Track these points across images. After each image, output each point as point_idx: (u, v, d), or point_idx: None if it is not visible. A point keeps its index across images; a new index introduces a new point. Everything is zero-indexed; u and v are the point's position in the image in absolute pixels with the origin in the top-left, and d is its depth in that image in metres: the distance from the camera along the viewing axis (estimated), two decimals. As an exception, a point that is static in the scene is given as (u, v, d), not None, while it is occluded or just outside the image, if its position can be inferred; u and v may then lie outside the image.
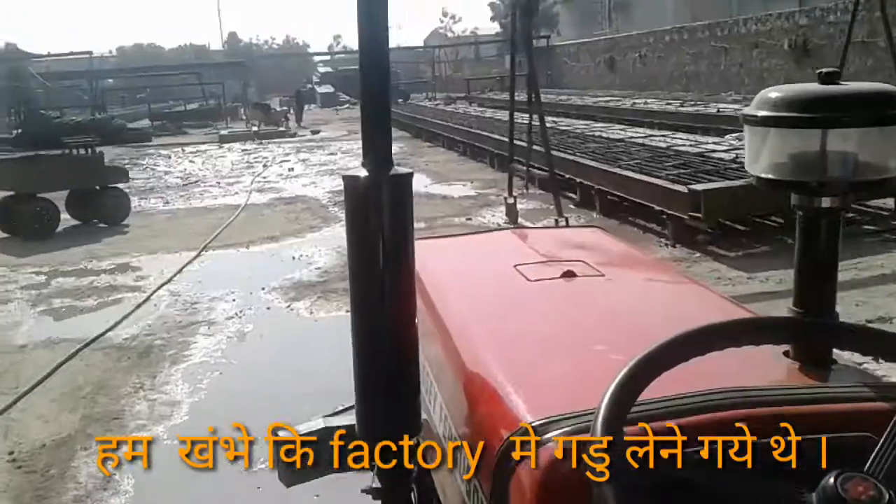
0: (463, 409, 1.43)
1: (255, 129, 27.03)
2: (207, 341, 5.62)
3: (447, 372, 1.60)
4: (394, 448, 1.36)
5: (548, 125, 16.06)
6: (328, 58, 67.36)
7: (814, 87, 1.18)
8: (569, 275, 1.84)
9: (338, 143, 22.35)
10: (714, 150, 9.68)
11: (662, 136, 11.83)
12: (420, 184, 12.68)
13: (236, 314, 6.21)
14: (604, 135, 12.72)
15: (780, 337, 1.17)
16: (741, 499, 0.86)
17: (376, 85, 1.33)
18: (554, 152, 9.56)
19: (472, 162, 15.37)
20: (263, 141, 24.21)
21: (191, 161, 19.65)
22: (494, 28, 53.45)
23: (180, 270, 7.74)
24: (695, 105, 17.44)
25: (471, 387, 1.44)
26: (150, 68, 45.50)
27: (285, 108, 34.18)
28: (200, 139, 26.95)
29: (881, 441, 0.88)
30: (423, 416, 1.45)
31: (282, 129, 27.53)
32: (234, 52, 64.08)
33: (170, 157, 21.17)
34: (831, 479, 0.80)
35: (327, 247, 8.45)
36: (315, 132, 26.54)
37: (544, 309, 1.74)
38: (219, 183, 14.81)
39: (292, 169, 16.29)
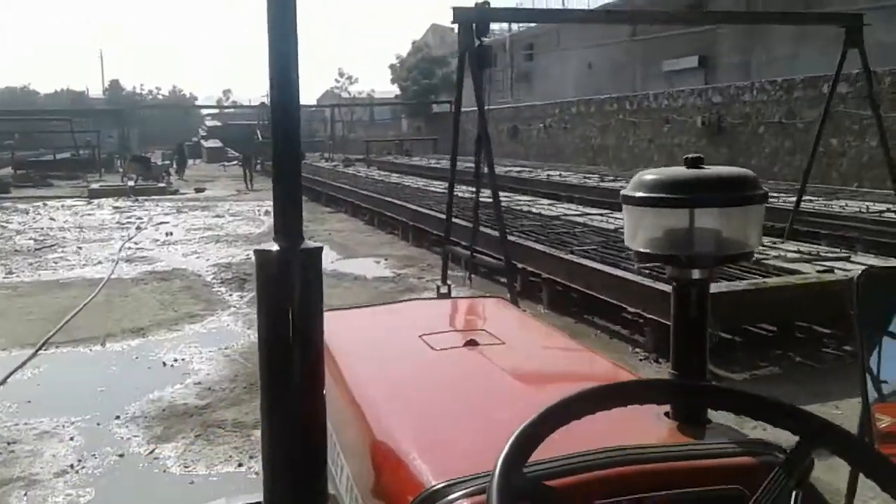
0: (369, 478, 1.46)
1: (131, 183, 24.49)
2: (17, 524, 3.63)
3: (353, 441, 1.63)
4: None
5: (460, 195, 14.65)
6: (216, 111, 64.77)
7: (682, 170, 1.33)
8: (471, 343, 1.94)
9: (225, 203, 20.23)
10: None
11: (601, 214, 10.54)
12: (324, 260, 10.84)
13: (71, 466, 4.22)
14: (534, 210, 11.34)
15: (657, 398, 1.22)
16: None
17: (288, 159, 1.35)
18: (484, 229, 8.07)
19: (380, 233, 13.69)
20: (140, 198, 21.80)
21: (51, 218, 17.11)
22: (392, 90, 52.58)
23: (3, 381, 5.63)
24: (615, 180, 16.46)
25: (376, 455, 1.47)
26: (16, 112, 41.78)
27: (167, 162, 31.63)
28: (67, 193, 24.23)
29: (757, 494, 0.99)
30: (331, 489, 1.52)
31: (162, 184, 25.11)
32: (116, 101, 60.52)
33: (27, 213, 18.51)
34: None
35: (212, 346, 6.51)
36: (199, 190, 24.26)
37: (448, 377, 1.83)
38: (80, 248, 12.51)
39: (171, 233, 14.14)
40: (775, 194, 12.78)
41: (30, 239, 13.72)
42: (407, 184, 17.78)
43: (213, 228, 14.93)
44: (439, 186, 16.60)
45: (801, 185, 8.81)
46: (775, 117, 17.68)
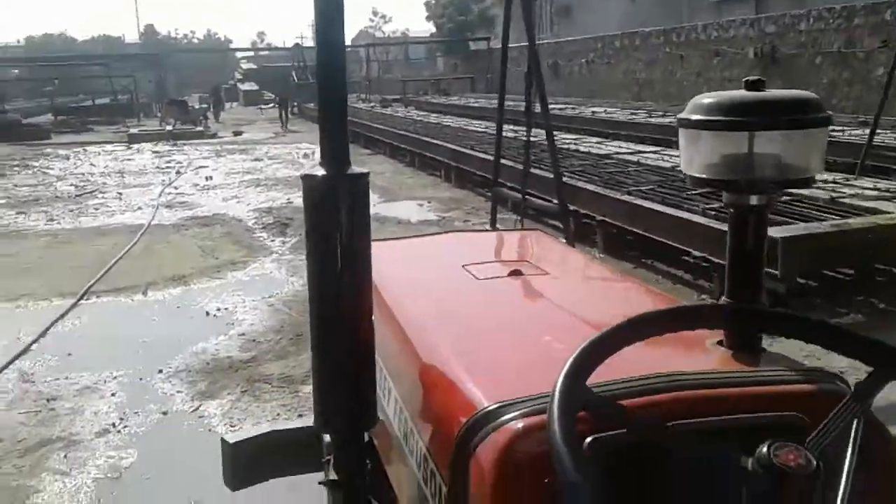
0: (419, 402, 1.45)
1: (169, 128, 24.32)
2: (55, 487, 3.43)
3: (401, 368, 1.62)
4: (350, 440, 1.44)
5: (506, 135, 14.20)
6: (251, 54, 64.28)
7: (742, 93, 1.27)
8: (515, 273, 1.91)
9: (263, 146, 19.96)
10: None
11: (654, 152, 10.03)
12: (367, 202, 10.57)
13: (113, 425, 4.02)
14: (582, 149, 10.86)
15: (712, 322, 1.23)
16: (685, 462, 0.97)
17: (333, 86, 1.35)
18: (534, 171, 7.64)
19: (422, 174, 13.32)
20: (178, 142, 21.61)
21: (91, 164, 17.01)
22: (427, 28, 51.52)
23: (43, 334, 5.45)
24: (664, 116, 15.79)
25: (425, 379, 1.46)
26: (54, 58, 41.74)
27: (204, 105, 31.40)
28: (107, 138, 24.13)
29: (826, 420, 0.95)
30: (379, 414, 1.49)
31: (200, 128, 24.90)
32: (151, 46, 60.25)
33: (68, 159, 18.45)
34: (765, 448, 0.88)
35: (256, 295, 6.28)
36: (237, 133, 24.03)
37: (494, 305, 1.79)
38: (120, 194, 12.35)
39: (210, 178, 13.93)
40: (839, 127, 12.12)
41: (70, 185, 13.61)
42: (447, 123, 17.30)
43: (252, 172, 14.69)
44: (479, 126, 16.13)
45: (876, 116, 8.17)
46: (833, 46, 16.74)
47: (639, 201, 6.86)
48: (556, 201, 6.76)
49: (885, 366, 1.01)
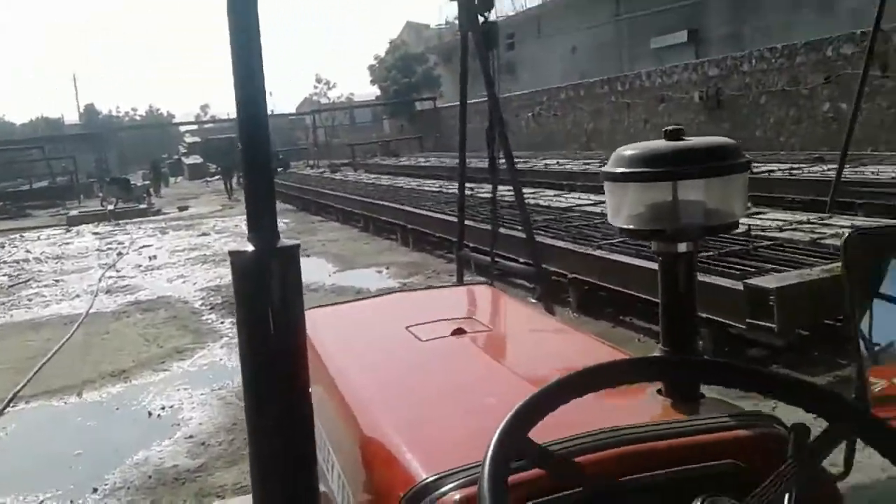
0: (360, 474, 1.43)
1: (110, 207, 23.52)
2: None
3: (343, 438, 1.60)
4: None
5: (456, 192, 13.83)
6: (195, 128, 63.73)
7: (662, 143, 1.31)
8: (459, 332, 1.89)
9: (210, 220, 19.33)
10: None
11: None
12: (322, 273, 10.02)
13: (36, 569, 3.38)
14: (542, 202, 10.51)
15: (647, 374, 1.20)
16: None
17: (258, 157, 1.34)
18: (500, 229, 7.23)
19: (378, 239, 12.83)
20: (121, 221, 20.85)
21: (27, 251, 16.16)
22: (371, 92, 51.68)
23: (-41, 453, 4.78)
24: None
25: (366, 450, 1.44)
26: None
27: (147, 182, 30.66)
28: (45, 222, 23.24)
29: (770, 478, 0.93)
30: (323, 488, 1.51)
31: (143, 206, 24.13)
32: (92, 125, 59.36)
33: (2, 247, 17.54)
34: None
35: (204, 387, 5.67)
36: (183, 209, 23.33)
37: (436, 367, 1.77)
38: (57, 281, 11.61)
39: (154, 257, 13.25)
40: (796, 165, 12.04)
41: (3, 275, 12.80)
42: (399, 185, 16.92)
43: (199, 248, 14.05)
44: (433, 185, 15.78)
45: (842, 152, 7.95)
46: (777, 85, 16.90)
47: (612, 255, 6.45)
48: (523, 261, 6.35)
49: (836, 421, 1.00)
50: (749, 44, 21.86)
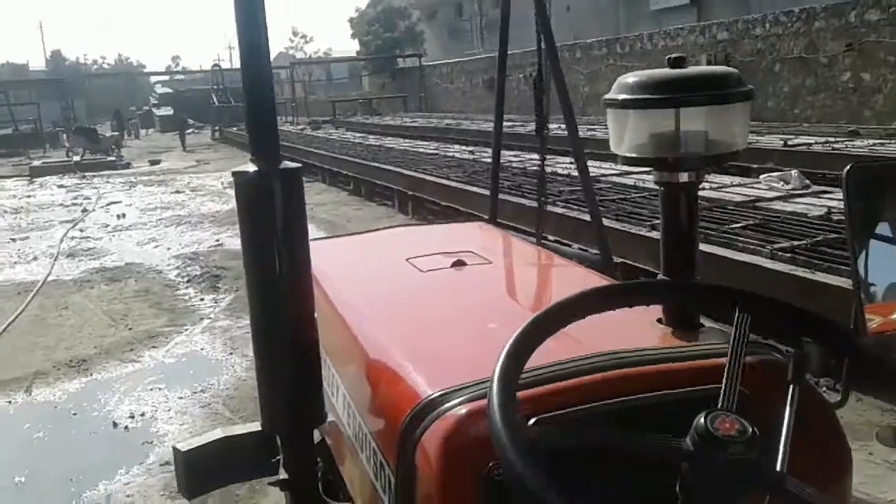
0: (365, 395, 1.44)
1: (76, 158, 22.07)
2: None
3: (347, 363, 1.62)
4: (298, 439, 1.45)
5: (458, 157, 12.67)
6: (166, 79, 61.57)
7: (666, 71, 1.29)
8: (459, 264, 1.90)
9: (184, 176, 18.05)
10: (762, 199, 6.59)
11: (648, 171, 8.59)
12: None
13: None
14: (560, 171, 9.42)
15: (647, 298, 1.22)
16: (623, 460, 0.94)
17: (259, 81, 1.33)
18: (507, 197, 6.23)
19: (371, 205, 11.72)
20: (87, 174, 19.49)
21: (-16, 203, 14.85)
22: (350, 48, 50.00)
23: None
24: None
25: (371, 372, 1.45)
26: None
27: (116, 133, 29.07)
28: (6, 172, 21.79)
29: (724, 379, 0.96)
30: (329, 413, 1.52)
31: (111, 158, 22.71)
32: (59, 72, 56.98)
33: (-43, 199, 16.18)
34: (702, 420, 0.87)
35: (183, 388, 4.61)
36: (154, 162, 21.96)
37: (437, 296, 1.79)
38: (14, 240, 10.41)
39: (123, 216, 12.05)
40: (821, 139, 11.09)
41: (-47, 232, 11.54)
42: (390, 146, 15.77)
43: (173, 207, 12.86)
44: (426, 147, 14.68)
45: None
46: (793, 52, 15.91)
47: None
48: (578, 246, 5.32)
49: (812, 336, 1.06)
50: (756, 8, 20.85)
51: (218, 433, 1.71)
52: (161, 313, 6.31)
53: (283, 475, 1.47)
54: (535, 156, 10.85)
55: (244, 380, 4.64)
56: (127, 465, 3.66)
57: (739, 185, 7.47)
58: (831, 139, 10.80)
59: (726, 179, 7.80)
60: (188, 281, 7.40)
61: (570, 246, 5.28)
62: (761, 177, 7.45)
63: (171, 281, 7.48)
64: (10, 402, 4.60)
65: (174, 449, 1.71)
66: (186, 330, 5.81)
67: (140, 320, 6.13)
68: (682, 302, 1.32)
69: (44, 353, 5.38)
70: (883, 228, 1.17)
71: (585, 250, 4.91)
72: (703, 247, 5.10)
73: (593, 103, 22.47)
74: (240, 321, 5.80)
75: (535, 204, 6.78)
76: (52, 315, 6.41)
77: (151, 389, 4.64)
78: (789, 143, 10.30)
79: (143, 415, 4.26)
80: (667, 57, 1.31)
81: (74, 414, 4.38)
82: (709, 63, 17.74)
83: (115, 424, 4.16)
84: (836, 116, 14.81)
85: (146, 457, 3.75)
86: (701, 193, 5.43)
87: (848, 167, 1.17)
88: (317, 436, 1.51)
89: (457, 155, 12.47)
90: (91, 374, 4.96)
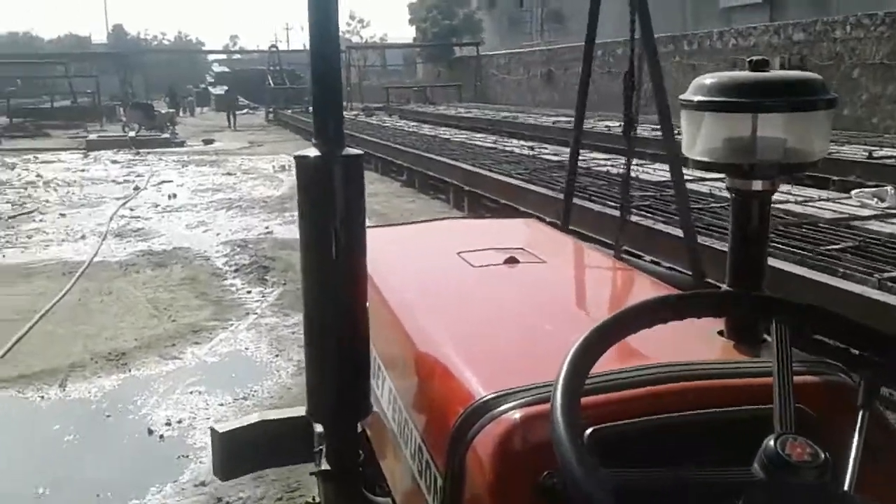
0: (414, 392, 1.41)
1: (132, 134, 22.14)
2: None
3: (396, 357, 1.58)
4: (343, 430, 1.42)
5: (493, 147, 12.16)
6: (224, 58, 62.06)
7: (745, 74, 1.24)
8: (511, 261, 1.85)
9: (236, 157, 17.89)
10: (856, 217, 6.04)
11: (721, 177, 8.05)
12: (365, 235, 8.57)
13: None
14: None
15: (711, 310, 1.15)
16: (687, 453, 0.94)
17: (327, 64, 1.32)
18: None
19: (424, 198, 11.36)
20: (142, 150, 19.51)
21: (38, 175, 14.87)
22: (406, 34, 49.68)
23: None
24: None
25: (421, 369, 1.42)
26: (9, 56, 39.14)
27: (172, 110, 29.18)
28: (63, 144, 21.98)
29: (776, 400, 0.92)
30: (374, 405, 1.48)
31: (166, 135, 22.74)
32: (120, 46, 57.68)
33: (12, 168, 16.28)
34: (771, 443, 0.83)
35: (224, 394, 4.29)
36: (208, 142, 21.94)
37: (490, 293, 1.74)
38: (63, 216, 10.29)
39: (174, 196, 11.88)
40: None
41: (6, 203, 11.49)
42: (444, 136, 15.38)
43: (224, 189, 12.66)
44: (485, 140, 14.25)
45: None
46: (875, 57, 15.09)
47: (772, 262, 4.92)
48: (667, 265, 4.87)
49: (885, 357, 0.99)
50: (835, 10, 19.92)
51: (255, 416, 1.66)
52: (206, 305, 6.02)
53: (324, 465, 1.44)
54: (600, 155, 10.36)
55: (289, 388, 4.31)
56: (160, 483, 3.34)
57: (828, 199, 6.91)
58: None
59: (813, 193, 7.24)
60: (236, 270, 7.11)
61: (640, 257, 4.84)
62: (853, 192, 6.87)
63: (218, 269, 7.20)
64: (42, 396, 4.34)
65: (212, 430, 1.65)
66: (231, 325, 5.50)
67: (184, 311, 5.85)
68: (750, 316, 1.26)
69: (83, 344, 5.12)
70: None
71: (672, 268, 4.46)
72: (799, 270, 4.62)
73: (654, 101, 21.75)
74: (287, 319, 5.48)
75: (607, 210, 6.30)
76: (95, 300, 6.16)
77: (191, 392, 4.33)
78: (874, 154, 9.64)
79: (180, 422, 3.95)
80: (748, 59, 1.26)
81: (108, 416, 4.09)
82: (782, 66, 16.97)
83: (150, 431, 3.85)
84: (916, 128, 14.01)
85: (181, 473, 3.42)
86: (786, 207, 4.89)
87: None
88: (359, 427, 1.48)
89: (516, 150, 12.02)
90: (130, 370, 4.68)
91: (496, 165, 10.08)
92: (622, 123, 3.19)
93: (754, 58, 1.26)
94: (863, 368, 1.00)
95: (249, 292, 6.36)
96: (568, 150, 10.70)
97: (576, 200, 6.40)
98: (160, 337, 5.27)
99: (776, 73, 1.26)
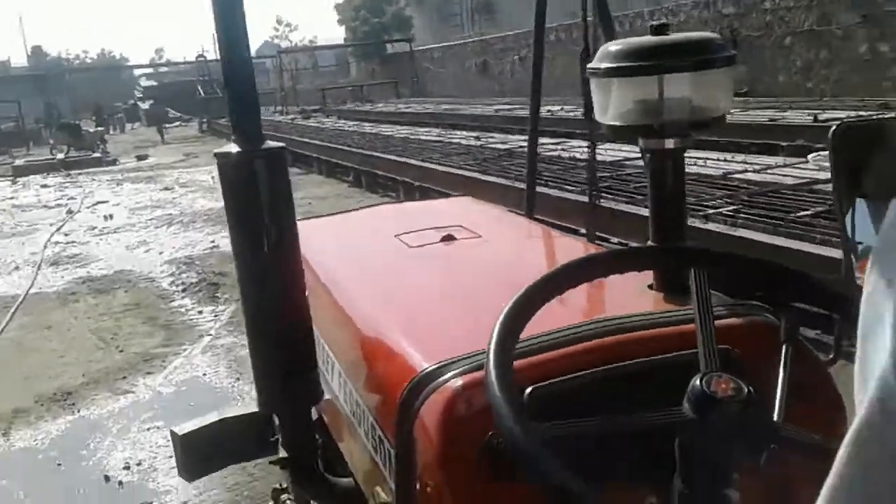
0: (361, 372, 1.45)
1: (60, 156, 21.29)
2: None
3: (341, 341, 1.62)
4: (295, 417, 1.45)
5: (459, 142, 11.96)
6: (151, 72, 60.55)
7: (648, 38, 1.29)
8: (448, 239, 1.90)
9: (173, 171, 17.30)
10: (818, 181, 5.94)
11: (706, 159, 7.62)
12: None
13: None
14: (579, 156, 8.73)
15: (637, 264, 1.21)
16: (623, 404, 0.93)
17: (238, 61, 1.32)
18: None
19: (374, 198, 11.04)
20: (72, 172, 18.74)
21: (-37, 207, 14.09)
22: (335, 36, 49.06)
23: None
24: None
25: (365, 349, 1.46)
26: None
27: (100, 128, 28.20)
28: (-13, 173, 20.95)
29: (699, 341, 0.95)
30: (325, 391, 1.51)
31: (97, 154, 21.92)
32: (41, 68, 55.80)
33: (-65, 202, 15.41)
34: (697, 382, 0.86)
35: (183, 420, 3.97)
36: (141, 157, 21.20)
37: (428, 271, 1.79)
38: (-7, 247, 9.72)
39: (111, 216, 11.34)
40: (852, 113, 10.45)
41: (-71, 239, 10.82)
42: (387, 133, 15.07)
43: (163, 205, 12.15)
44: (427, 134, 14.00)
45: None
46: (805, 25, 15.27)
47: (746, 234, 4.75)
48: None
49: (825, 307, 1.05)
50: (759, -19, 20.14)
51: (214, 416, 1.68)
52: (155, 331, 5.65)
53: (282, 453, 1.48)
54: (548, 140, 10.09)
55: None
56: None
57: (784, 165, 6.84)
58: (862, 113, 10.17)
59: (769, 160, 7.17)
60: (184, 290, 6.73)
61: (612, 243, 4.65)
62: (809, 157, 6.80)
63: (164, 291, 6.81)
64: (-18, 449, 3.95)
65: (171, 433, 1.68)
66: (185, 350, 5.15)
67: (132, 340, 5.47)
68: (674, 266, 1.30)
69: (24, 386, 4.72)
70: (868, 186, 1.18)
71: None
72: (778, 241, 4.48)
73: (593, 84, 21.74)
74: (244, 338, 5.13)
75: (571, 196, 6.07)
76: (33, 336, 5.73)
77: (149, 429, 3.99)
78: (819, 118, 9.66)
79: (139, 464, 3.61)
80: (649, 24, 1.31)
81: (59, 464, 3.73)
82: (715, 38, 17.08)
83: (107, 478, 3.51)
84: (854, 90, 14.18)
85: (145, 525, 3.10)
86: (746, 177, 4.69)
87: (834, 127, 1.17)
88: (314, 414, 1.50)
89: (462, 141, 11.80)
90: (78, 411, 4.31)
91: (445, 158, 9.85)
92: (580, 106, 2.99)
93: (655, 22, 1.29)
94: (784, 306, 1.07)
95: (201, 312, 6.00)
96: (515, 137, 10.59)
97: (520, 185, 6.23)
98: (108, 370, 4.89)
99: (677, 35, 1.29)
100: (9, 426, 4.16)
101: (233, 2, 1.30)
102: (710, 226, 4.88)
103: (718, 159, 7.26)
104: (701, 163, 6.98)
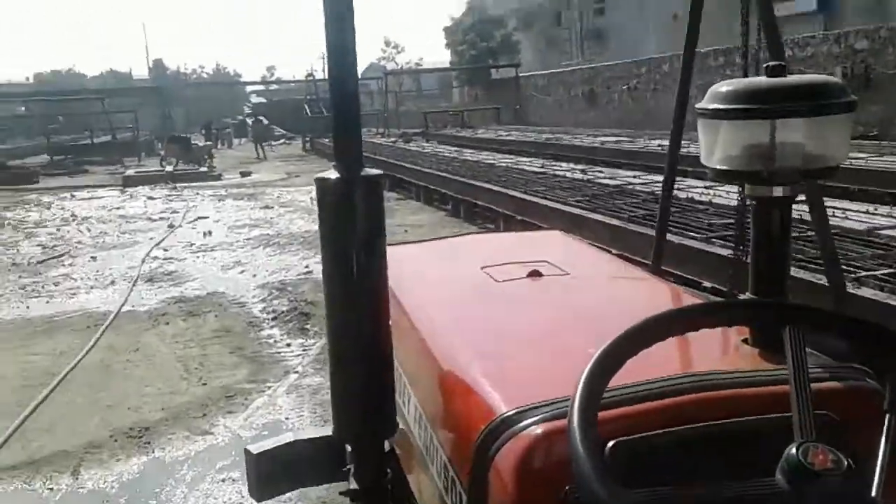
0: (438, 409, 1.42)
1: (169, 168, 21.88)
2: None
3: (421, 373, 1.58)
4: (369, 449, 1.43)
5: (554, 174, 11.44)
6: (261, 88, 62.45)
7: (762, 80, 1.23)
8: (535, 274, 1.85)
9: (274, 189, 17.44)
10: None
11: (845, 209, 6.84)
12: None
13: None
14: (698, 198, 8.10)
15: (733, 319, 1.14)
16: (711, 464, 0.94)
17: (345, 88, 1.34)
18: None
19: (471, 228, 10.66)
20: (179, 185, 19.16)
21: (73, 215, 14.49)
22: (442, 58, 49.34)
23: None
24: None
25: (444, 385, 1.43)
26: (46, 93, 39.54)
27: (209, 143, 28.98)
28: (101, 181, 21.75)
29: (793, 407, 0.89)
30: (399, 421, 1.50)
31: (203, 169, 22.44)
32: (160, 81, 58.32)
33: (48, 208, 15.97)
34: (793, 451, 0.81)
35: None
36: (245, 174, 21.55)
37: (513, 308, 1.74)
38: (94, 258, 9.80)
39: (209, 233, 11.36)
40: None
41: (37, 245, 11.06)
42: (488, 161, 14.69)
43: (261, 225, 12.10)
44: (529, 164, 13.54)
45: None
46: (944, 64, 14.15)
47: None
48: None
49: None
50: (893, 17, 18.91)
51: (289, 437, 1.65)
52: (241, 363, 5.38)
53: (352, 485, 1.44)
54: (658, 178, 9.43)
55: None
56: None
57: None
58: None
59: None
60: (274, 318, 6.48)
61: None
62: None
63: (255, 318, 6.57)
64: (51, 488, 3.70)
65: (246, 451, 1.62)
66: (269, 388, 4.84)
67: (217, 371, 5.21)
68: (773, 324, 1.10)
69: (101, 417, 4.50)
70: None
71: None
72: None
73: (705, 118, 20.87)
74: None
75: (707, 247, 5.50)
76: (118, 361, 5.54)
77: (223, 480, 3.67)
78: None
79: (210, 526, 3.28)
80: (765, 65, 1.25)
81: (125, 515, 3.44)
82: (844, 75, 16.05)
83: (173, 541, 3.19)
84: None
85: None
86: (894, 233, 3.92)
87: None
88: (386, 445, 1.46)
89: (567, 174, 11.28)
90: (150, 451, 4.03)
91: (549, 192, 9.37)
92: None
93: (772, 63, 1.23)
94: (889, 371, 0.97)
95: (289, 345, 5.72)
96: (624, 173, 9.92)
97: (635, 228, 5.72)
98: (189, 405, 4.62)
99: (793, 77, 1.23)
100: (79, 463, 3.92)
101: (345, 30, 1.30)
102: (864, 291, 4.25)
103: (859, 210, 6.52)
104: (840, 213, 6.27)
